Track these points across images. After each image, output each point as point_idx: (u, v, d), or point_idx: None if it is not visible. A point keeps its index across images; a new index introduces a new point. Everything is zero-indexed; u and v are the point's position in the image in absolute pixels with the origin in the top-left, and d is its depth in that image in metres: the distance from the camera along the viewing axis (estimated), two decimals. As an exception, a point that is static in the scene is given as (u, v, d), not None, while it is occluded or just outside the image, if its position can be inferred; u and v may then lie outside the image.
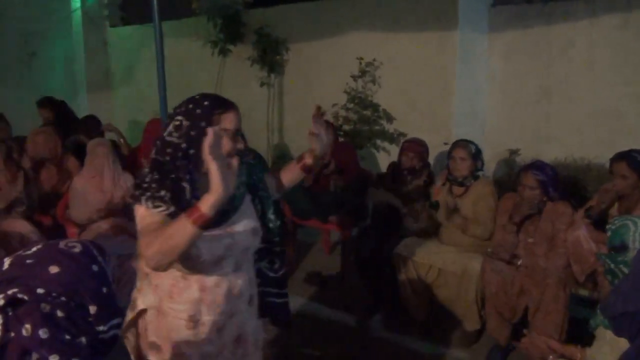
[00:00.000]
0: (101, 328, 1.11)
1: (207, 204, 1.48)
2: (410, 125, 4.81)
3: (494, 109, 4.71)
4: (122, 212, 3.98)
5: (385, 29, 4.91)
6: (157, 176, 1.65)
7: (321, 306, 3.89)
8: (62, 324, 1.04)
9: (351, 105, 5.09)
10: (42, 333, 1.00)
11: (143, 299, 1.83)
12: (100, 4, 7.13)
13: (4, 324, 1.01)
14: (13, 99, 6.23)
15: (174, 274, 1.74)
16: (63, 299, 1.05)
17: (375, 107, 5.04)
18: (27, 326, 1.00)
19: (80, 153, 4.18)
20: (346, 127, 5.13)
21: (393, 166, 4.15)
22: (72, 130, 4.97)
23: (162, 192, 1.63)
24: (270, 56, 5.63)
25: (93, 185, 3.94)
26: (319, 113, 2.07)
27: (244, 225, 1.80)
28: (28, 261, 1.09)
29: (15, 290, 1.03)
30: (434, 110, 4.68)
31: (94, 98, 7.33)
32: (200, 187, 1.65)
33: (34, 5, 6.83)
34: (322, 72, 5.44)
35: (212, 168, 1.47)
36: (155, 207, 1.61)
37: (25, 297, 1.03)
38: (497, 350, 3.22)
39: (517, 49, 4.49)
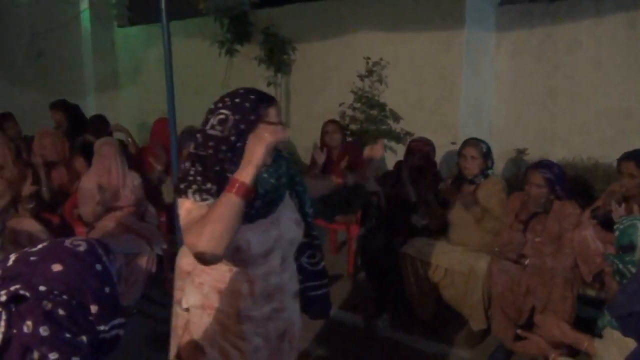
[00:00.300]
0: (102, 327, 1.10)
1: (243, 173, 1.50)
2: (416, 124, 4.81)
3: (500, 109, 4.70)
4: (129, 211, 4.01)
5: (392, 29, 4.91)
6: (200, 169, 1.64)
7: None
8: (63, 322, 1.04)
9: (358, 105, 5.09)
10: (43, 331, 1.01)
11: (187, 299, 1.80)
12: (108, 4, 7.16)
13: (7, 320, 1.01)
14: (21, 98, 6.27)
15: (221, 269, 1.72)
16: (65, 297, 1.05)
17: (382, 106, 5.04)
18: (29, 323, 1.01)
19: (88, 153, 4.21)
20: (353, 127, 5.13)
21: (399, 165, 4.15)
22: (80, 133, 5.00)
23: (209, 185, 1.61)
24: (277, 56, 5.63)
25: (100, 184, 3.97)
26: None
27: (288, 217, 1.81)
28: (32, 258, 1.09)
29: (17, 286, 1.03)
30: (441, 110, 4.68)
31: (101, 98, 7.36)
32: None
33: (42, 6, 6.87)
34: (329, 72, 5.45)
35: (257, 144, 1.50)
36: (203, 200, 1.59)
37: (27, 294, 1.03)
38: (502, 350, 3.22)
39: (523, 48, 4.48)
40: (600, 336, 2.03)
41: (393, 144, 5.04)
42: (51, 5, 6.98)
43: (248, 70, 5.93)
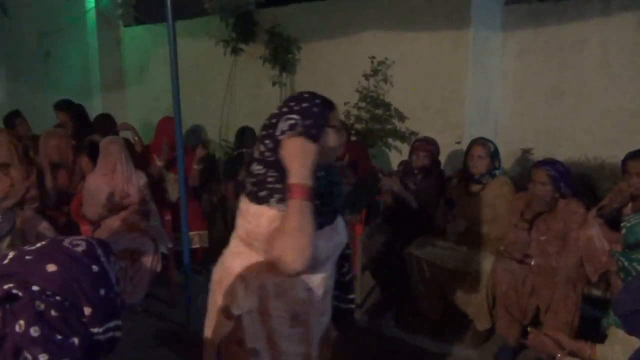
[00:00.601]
0: (96, 330, 1.09)
1: (300, 176, 1.49)
2: (422, 124, 4.80)
3: (506, 108, 4.69)
4: (134, 210, 4.02)
5: (397, 28, 4.90)
6: (277, 174, 1.61)
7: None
8: (55, 323, 1.03)
9: (363, 104, 5.09)
10: (33, 331, 1.00)
11: (239, 304, 1.73)
12: (114, 4, 7.18)
13: (2, 318, 1.01)
14: (28, 98, 6.30)
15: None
16: (58, 298, 1.05)
17: (387, 106, 5.03)
18: (21, 322, 1.00)
19: (95, 152, 4.22)
20: (358, 126, 5.13)
21: (404, 165, 4.15)
22: (86, 133, 5.02)
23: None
24: (282, 55, 5.63)
25: (105, 183, 3.98)
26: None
27: (341, 222, 1.81)
28: (27, 257, 1.08)
29: (10, 285, 1.03)
30: (447, 109, 4.67)
31: (108, 97, 7.38)
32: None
33: (48, 5, 6.90)
34: (334, 71, 5.44)
35: (305, 145, 1.52)
36: (283, 210, 1.55)
37: (20, 294, 1.03)
38: (506, 349, 3.21)
39: (530, 47, 4.46)
40: (605, 335, 2.03)
41: (398, 143, 5.03)
42: (57, 5, 7.01)
43: (253, 70, 5.93)
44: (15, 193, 3.87)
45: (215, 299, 1.80)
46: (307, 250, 1.46)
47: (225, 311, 1.75)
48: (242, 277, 1.72)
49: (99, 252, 1.15)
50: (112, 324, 1.13)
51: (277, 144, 1.63)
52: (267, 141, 1.67)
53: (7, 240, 2.26)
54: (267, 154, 1.65)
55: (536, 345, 2.19)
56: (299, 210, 1.47)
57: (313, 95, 1.71)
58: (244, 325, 1.72)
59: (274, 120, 1.69)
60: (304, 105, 1.67)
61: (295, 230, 1.46)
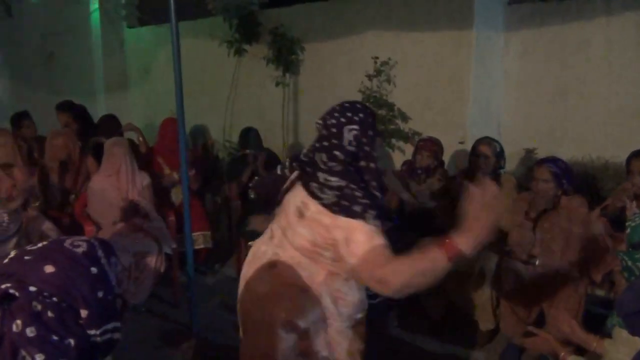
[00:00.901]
0: (93, 332, 1.09)
1: (465, 242, 1.48)
2: (425, 124, 4.80)
3: (509, 108, 4.68)
4: (138, 211, 4.03)
5: (400, 28, 4.90)
6: (363, 186, 1.64)
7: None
8: (51, 324, 1.03)
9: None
10: (29, 332, 1.00)
11: (306, 317, 1.74)
12: (117, 5, 7.19)
13: (1, 318, 1.01)
14: (32, 99, 6.30)
15: (340, 279, 1.74)
16: (55, 299, 1.05)
17: (390, 106, 5.03)
18: (18, 322, 1.01)
19: (100, 153, 4.23)
20: (361, 127, 5.13)
21: (407, 165, 4.15)
22: (91, 134, 5.03)
23: (375, 210, 1.62)
24: (285, 56, 5.64)
25: (110, 184, 3.99)
26: None
27: None
28: (27, 257, 1.09)
29: (8, 285, 1.04)
30: (450, 110, 4.67)
31: (111, 98, 7.40)
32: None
33: (52, 6, 6.91)
34: (337, 72, 5.44)
35: (488, 216, 1.48)
36: (377, 225, 1.60)
37: (17, 294, 1.03)
38: (512, 349, 3.21)
39: (533, 47, 4.46)
40: (610, 336, 2.02)
41: (401, 143, 5.03)
42: (61, 6, 7.02)
43: (256, 71, 5.94)
44: (20, 194, 3.88)
45: (270, 313, 1.77)
46: (414, 289, 1.56)
47: (289, 324, 1.74)
48: (305, 289, 1.73)
49: (100, 253, 1.15)
50: (110, 325, 1.13)
51: (348, 154, 1.67)
52: (335, 152, 1.69)
53: (14, 241, 2.27)
54: (333, 164, 1.67)
55: (536, 346, 2.18)
56: (438, 263, 1.51)
57: (363, 105, 1.77)
58: (311, 335, 1.74)
59: (334, 130, 1.71)
60: (361, 115, 1.71)
61: (420, 272, 1.54)
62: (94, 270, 1.12)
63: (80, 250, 1.13)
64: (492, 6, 4.52)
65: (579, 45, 4.23)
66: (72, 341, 1.05)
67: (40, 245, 1.13)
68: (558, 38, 4.32)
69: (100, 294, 1.11)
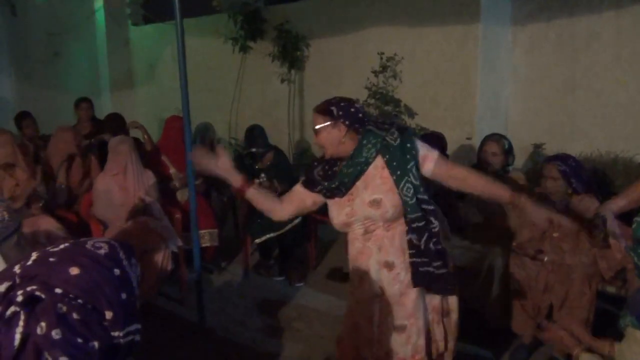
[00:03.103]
0: (117, 334, 1.09)
1: (527, 202, 2.14)
2: (432, 120, 4.77)
3: (517, 103, 4.65)
4: (145, 209, 4.02)
5: (406, 24, 4.87)
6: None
7: (343, 302, 3.87)
8: (76, 326, 1.03)
9: (372, 101, 5.06)
10: (55, 334, 1.00)
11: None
12: (122, 3, 7.19)
13: (26, 320, 1.00)
14: (37, 98, 6.32)
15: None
16: (80, 301, 1.04)
17: (396, 102, 5.00)
18: (43, 324, 1.00)
19: (104, 151, 4.23)
20: (367, 123, 5.11)
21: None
22: (96, 132, 5.04)
23: None
24: (290, 52, 5.62)
25: (116, 183, 3.98)
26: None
27: (362, 198, 2.19)
28: (51, 259, 1.08)
29: (34, 287, 1.03)
30: (457, 105, 4.64)
31: (117, 96, 7.41)
32: None
33: (57, 5, 6.92)
34: (343, 68, 5.42)
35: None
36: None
37: (43, 296, 1.02)
38: (522, 347, 3.18)
39: (540, 41, 4.42)
40: (622, 335, 2.00)
41: (408, 139, 5.01)
42: (66, 5, 7.03)
43: (262, 67, 5.92)
44: (22, 194, 3.88)
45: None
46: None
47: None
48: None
49: (121, 255, 1.15)
50: (132, 327, 1.13)
51: None
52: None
53: (13, 239, 2.27)
54: None
55: (553, 339, 2.17)
56: (500, 192, 2.22)
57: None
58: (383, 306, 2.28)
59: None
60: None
61: (488, 181, 2.29)
62: (117, 272, 1.12)
63: (102, 252, 1.12)
64: (498, 0, 4.48)
65: (588, 39, 4.19)
66: (96, 344, 1.05)
67: (62, 246, 1.13)
68: (566, 32, 4.27)
69: (123, 296, 1.11)
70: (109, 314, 1.08)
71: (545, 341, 2.31)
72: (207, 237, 4.33)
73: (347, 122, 2.14)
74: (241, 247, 4.56)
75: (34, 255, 1.10)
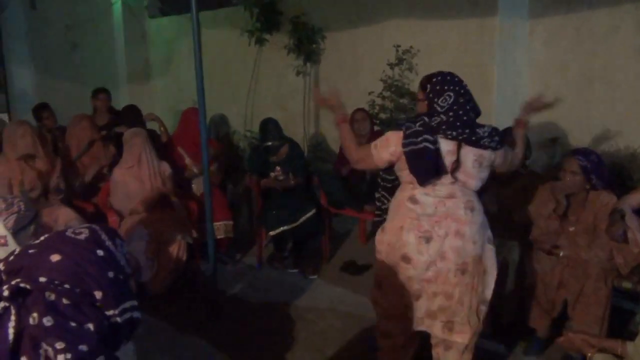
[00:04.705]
0: (112, 312, 1.10)
1: None
2: (448, 113, 4.74)
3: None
4: (162, 200, 4.06)
5: (422, 16, 4.84)
6: None
7: (357, 295, 3.89)
8: (67, 311, 1.04)
9: (387, 94, 5.05)
10: (46, 321, 1.01)
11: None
12: (139, -5, 7.23)
13: (17, 314, 1.02)
14: (56, 89, 6.39)
15: None
16: (67, 286, 1.06)
17: (412, 95, 4.98)
18: (34, 315, 1.01)
19: (121, 143, 4.27)
20: (382, 116, 5.09)
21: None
22: (114, 124, 5.08)
23: None
24: (306, 45, 5.61)
25: (131, 175, 4.03)
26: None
27: None
28: (31, 251, 1.10)
29: (18, 280, 1.05)
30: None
31: (134, 88, 7.46)
32: None
33: (75, -2, 6.98)
34: (359, 61, 5.40)
35: None
36: None
37: (28, 287, 1.04)
38: (537, 342, 3.17)
39: (558, 34, 4.36)
40: (637, 333, 1.99)
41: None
42: (84, -3, 7.09)
43: (277, 60, 5.92)
44: (42, 185, 3.93)
45: None
46: None
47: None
48: None
49: (103, 236, 1.16)
50: (127, 304, 1.14)
51: None
52: None
53: (31, 229, 2.31)
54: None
55: (566, 345, 2.17)
56: None
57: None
58: None
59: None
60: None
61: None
62: (100, 252, 1.13)
63: (82, 237, 1.14)
64: (516, -8, 4.43)
65: (607, 31, 4.12)
66: (91, 326, 1.06)
67: (42, 239, 1.15)
68: (585, 24, 4.21)
69: (111, 274, 1.12)
70: (98, 294, 1.09)
71: (559, 343, 2.31)
72: (222, 229, 4.36)
73: None
74: (255, 239, 4.59)
75: (16, 251, 1.12)
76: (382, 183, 4.19)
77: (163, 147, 4.64)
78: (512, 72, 4.52)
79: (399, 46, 4.89)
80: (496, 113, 4.47)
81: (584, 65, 4.25)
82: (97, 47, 7.30)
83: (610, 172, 3.43)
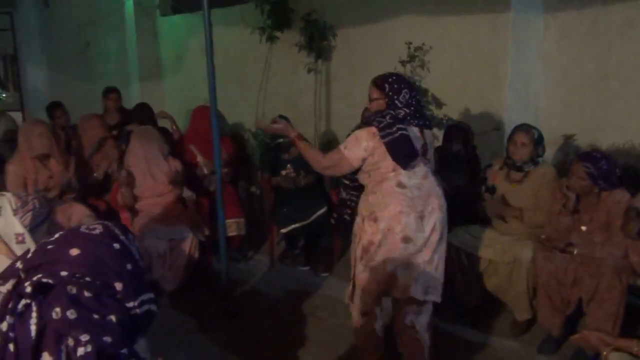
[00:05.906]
0: (131, 304, 1.11)
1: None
2: (460, 110, 4.71)
3: (548, 94, 4.55)
4: (172, 198, 4.07)
5: (434, 12, 4.80)
6: None
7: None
8: (89, 304, 1.05)
9: (399, 91, 5.02)
10: (70, 314, 1.02)
11: None
12: (151, -6, 7.25)
13: (38, 310, 1.03)
14: (69, 87, 6.44)
15: None
16: (88, 279, 1.07)
17: (424, 92, 4.95)
18: (57, 309, 1.02)
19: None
20: (394, 113, 5.07)
21: (438, 151, 4.09)
22: (125, 122, 5.11)
23: None
24: (317, 42, 5.60)
25: (140, 172, 4.05)
26: None
27: None
28: (49, 247, 1.11)
29: (39, 275, 1.05)
30: (485, 96, 4.57)
31: (145, 86, 7.49)
32: None
33: (87, -3, 7.03)
34: (370, 58, 5.38)
35: None
36: None
37: (50, 281, 1.05)
38: (550, 340, 3.15)
39: (573, 30, 4.31)
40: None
41: (435, 130, 4.96)
42: (96, -4, 7.13)
43: (288, 57, 5.92)
44: (56, 185, 3.95)
45: None
46: None
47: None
48: None
49: (117, 231, 1.18)
50: (145, 296, 1.15)
51: None
52: None
53: (44, 227, 2.33)
54: None
55: (582, 343, 2.16)
56: None
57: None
58: None
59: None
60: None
61: None
62: (116, 246, 1.15)
63: (97, 232, 1.16)
64: (530, -12, 4.39)
65: (622, 27, 4.07)
66: (113, 317, 1.07)
67: (57, 235, 1.16)
68: (600, 20, 4.16)
69: (129, 266, 1.14)
70: (118, 285, 1.10)
71: (574, 340, 2.30)
72: (233, 226, 4.37)
73: None
74: (267, 237, 4.59)
75: (32, 248, 1.13)
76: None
77: (175, 145, 4.66)
78: (526, 69, 4.48)
79: (410, 43, 4.86)
80: (507, 109, 4.43)
81: (599, 61, 4.20)
82: (109, 45, 7.34)
83: (623, 170, 3.39)
